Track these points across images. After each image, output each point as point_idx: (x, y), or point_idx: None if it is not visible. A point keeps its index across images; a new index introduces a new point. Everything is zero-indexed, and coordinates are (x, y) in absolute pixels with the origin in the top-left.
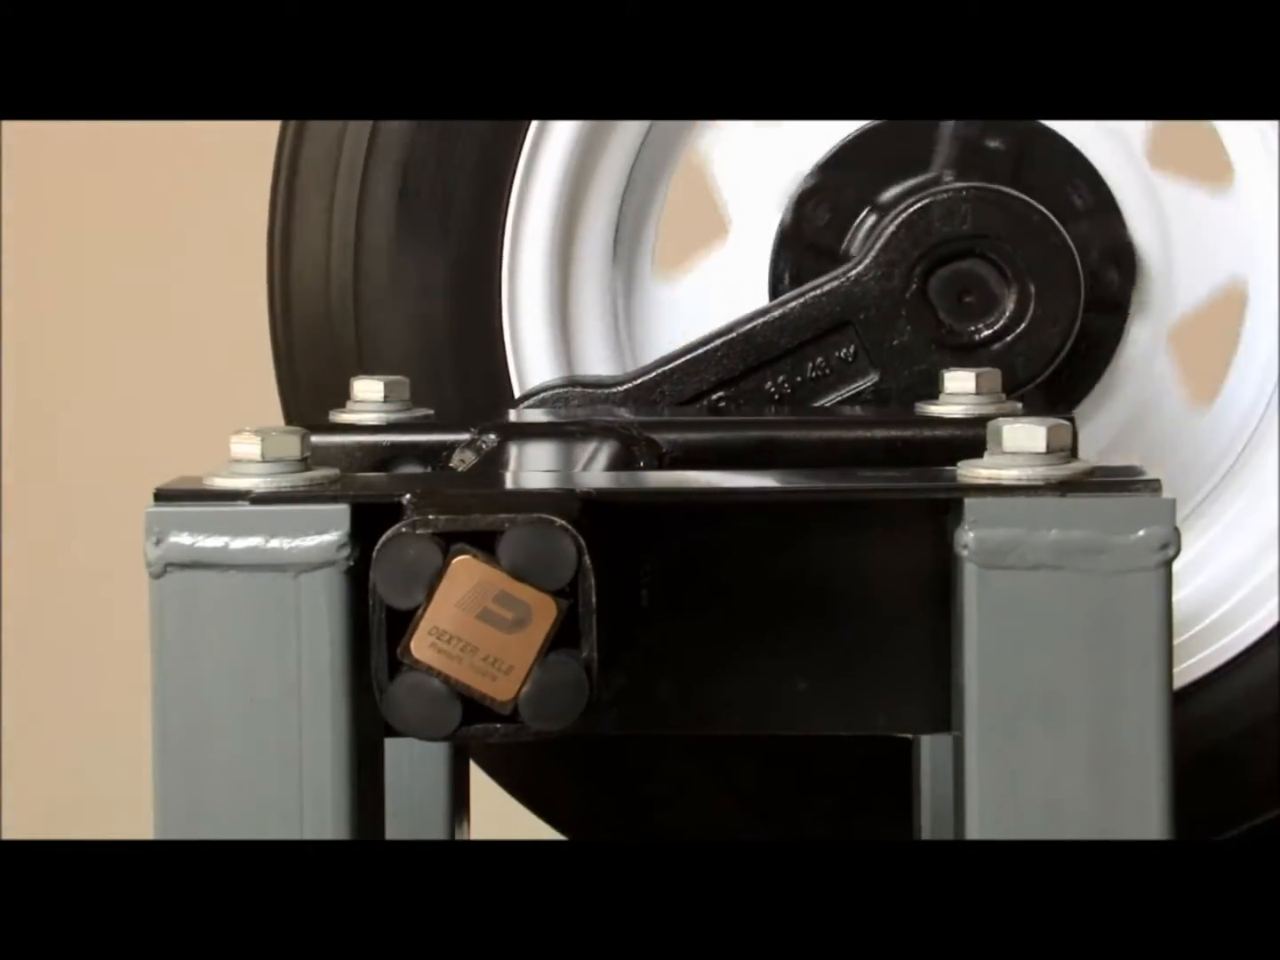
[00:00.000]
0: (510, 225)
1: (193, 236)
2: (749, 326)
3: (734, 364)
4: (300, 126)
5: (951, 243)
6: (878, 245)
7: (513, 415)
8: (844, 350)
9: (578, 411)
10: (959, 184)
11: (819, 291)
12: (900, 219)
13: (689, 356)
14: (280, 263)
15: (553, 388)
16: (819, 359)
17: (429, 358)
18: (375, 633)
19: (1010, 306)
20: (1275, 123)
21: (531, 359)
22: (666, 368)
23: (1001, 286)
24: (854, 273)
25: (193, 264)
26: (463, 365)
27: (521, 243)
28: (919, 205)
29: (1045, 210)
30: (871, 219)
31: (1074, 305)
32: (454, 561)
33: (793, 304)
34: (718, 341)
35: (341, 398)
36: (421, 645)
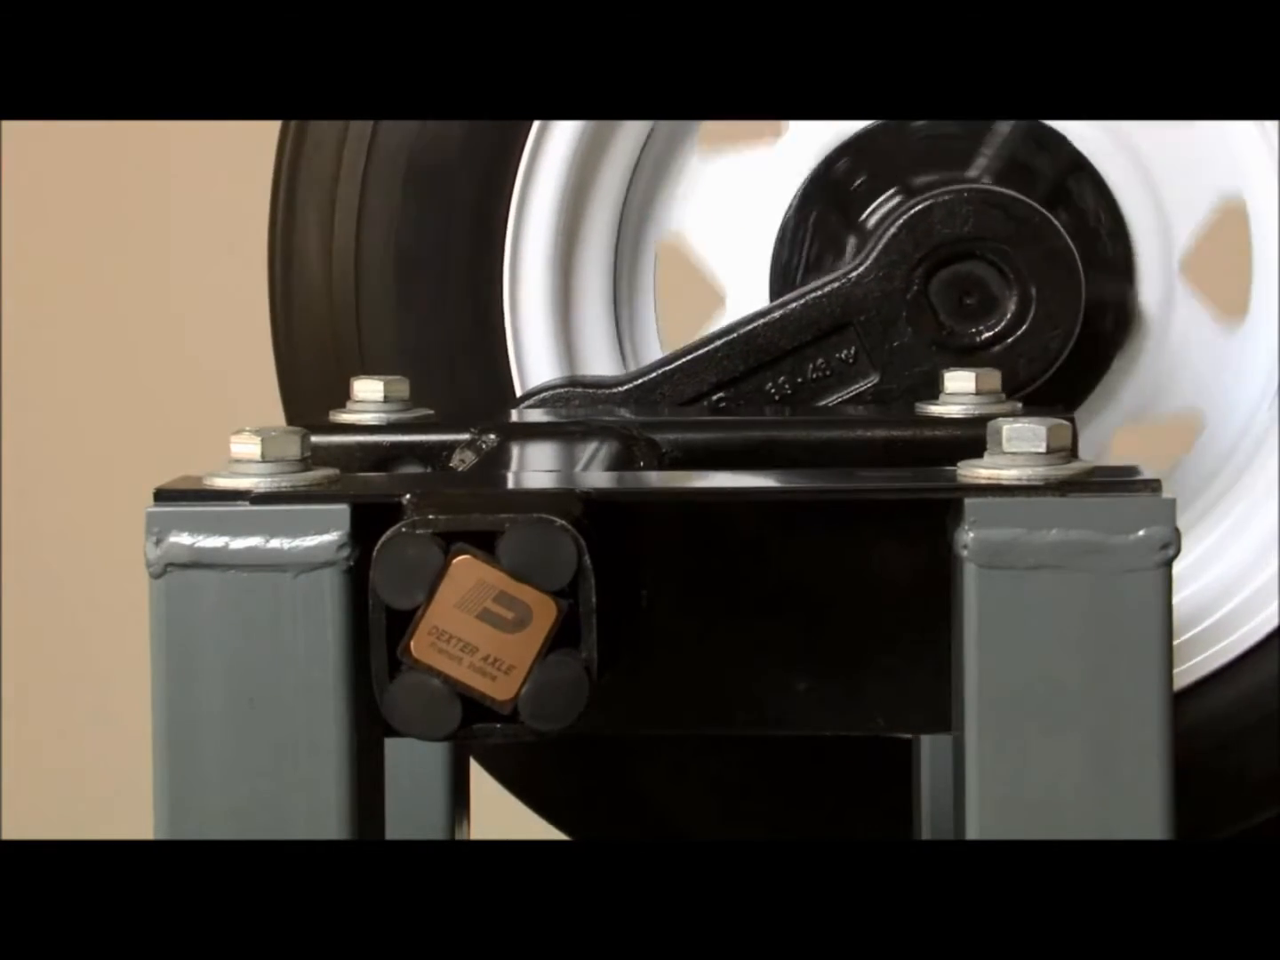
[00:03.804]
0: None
1: (192, 236)
2: (749, 327)
3: (734, 365)
4: (300, 135)
5: (952, 245)
6: (879, 247)
7: (514, 415)
8: (844, 352)
9: (578, 411)
10: (960, 186)
11: (819, 293)
12: (901, 220)
13: (690, 357)
14: (281, 281)
15: (553, 387)
16: (819, 360)
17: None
18: (375, 633)
19: (1011, 308)
20: None
21: None
22: (667, 368)
23: (1003, 289)
24: (854, 274)
25: (193, 263)
26: None
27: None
28: (920, 207)
29: (1046, 213)
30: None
31: (1075, 308)
32: (454, 561)
33: (793, 305)
34: (718, 342)
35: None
36: (421, 645)
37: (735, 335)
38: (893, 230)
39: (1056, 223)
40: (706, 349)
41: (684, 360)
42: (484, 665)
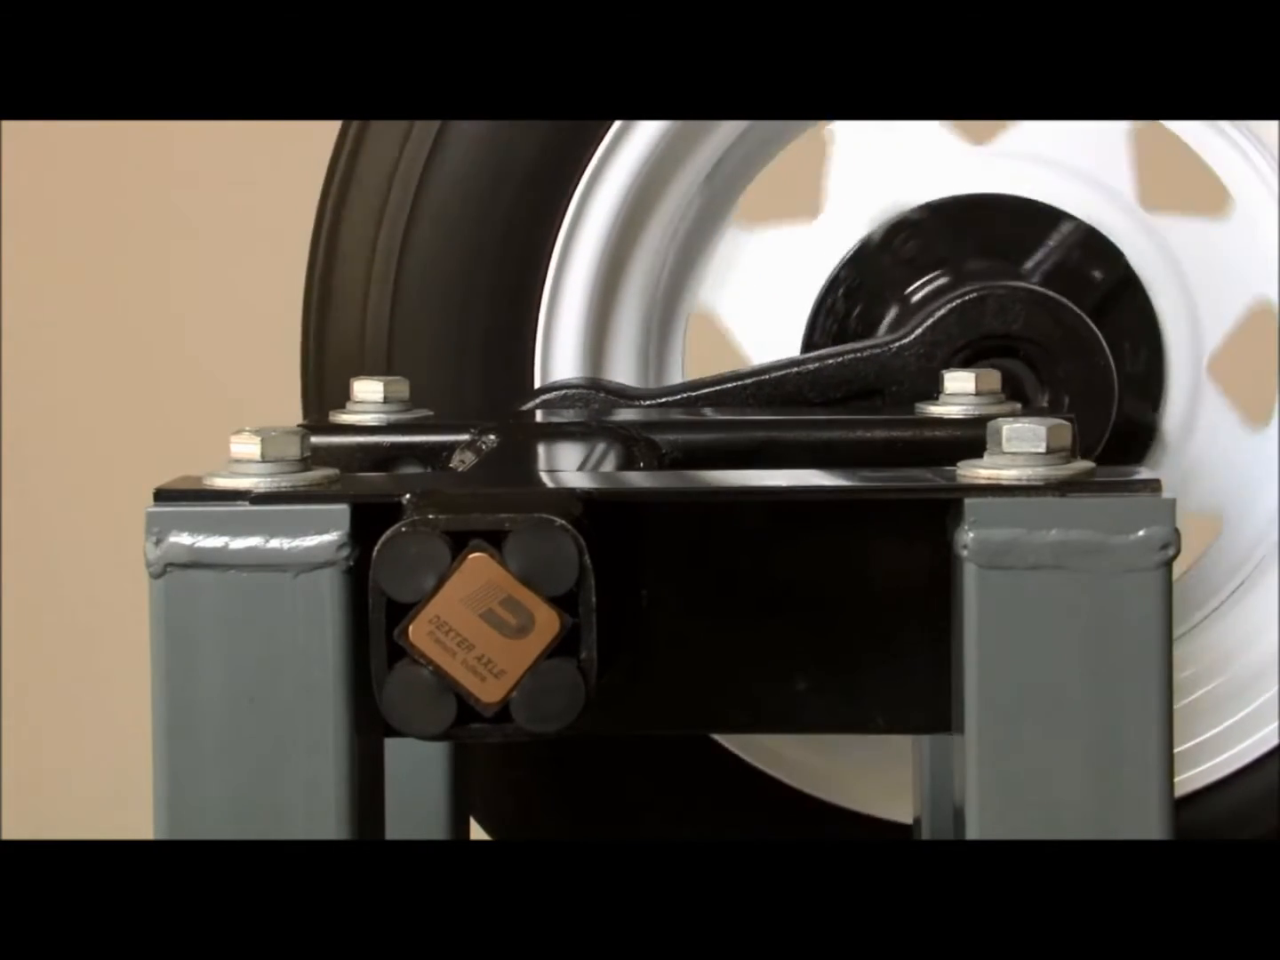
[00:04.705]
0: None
1: (193, 236)
2: (781, 373)
3: (758, 405)
4: (356, 148)
5: (998, 338)
6: (926, 324)
7: (536, 413)
8: None
9: (580, 412)
10: (1017, 284)
11: (857, 355)
12: (954, 305)
13: (717, 388)
14: (318, 308)
15: (574, 386)
16: None
17: None
18: (374, 629)
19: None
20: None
21: None
22: (692, 393)
23: (1036, 392)
24: (896, 345)
25: (194, 263)
26: None
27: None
28: (975, 295)
29: (1094, 327)
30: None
31: (1104, 425)
32: (469, 557)
33: (829, 361)
34: (748, 380)
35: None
36: (420, 631)
37: (766, 377)
38: (943, 311)
39: (1102, 339)
40: (735, 383)
41: (710, 389)
42: (477, 664)
